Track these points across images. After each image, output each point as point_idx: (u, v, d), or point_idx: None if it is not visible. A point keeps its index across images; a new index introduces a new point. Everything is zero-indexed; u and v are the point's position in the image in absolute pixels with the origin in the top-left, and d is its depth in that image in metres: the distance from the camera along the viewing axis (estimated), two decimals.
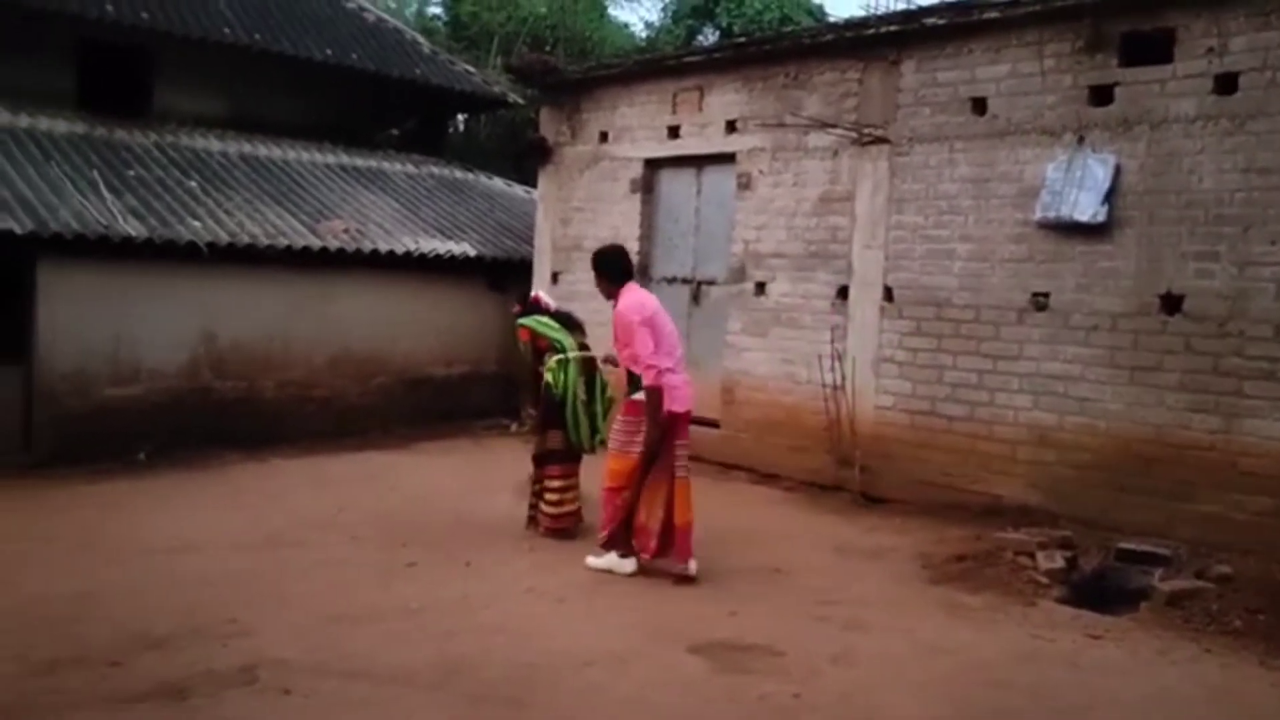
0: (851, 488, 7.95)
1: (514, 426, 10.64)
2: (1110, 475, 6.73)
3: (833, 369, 8.11)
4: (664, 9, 24.06)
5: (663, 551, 5.75)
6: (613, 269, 5.92)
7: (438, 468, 8.78)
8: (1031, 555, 6.02)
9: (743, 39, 10.90)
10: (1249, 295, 6.22)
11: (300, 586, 5.40)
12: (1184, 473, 6.42)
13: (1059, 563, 5.92)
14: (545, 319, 6.78)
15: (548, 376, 6.58)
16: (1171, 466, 6.47)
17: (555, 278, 10.68)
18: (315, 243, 9.79)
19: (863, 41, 8.11)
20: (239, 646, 4.51)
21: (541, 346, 6.70)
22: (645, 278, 9.79)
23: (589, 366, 6.67)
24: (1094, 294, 6.86)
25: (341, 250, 9.93)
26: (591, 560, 5.89)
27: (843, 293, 8.27)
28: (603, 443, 6.36)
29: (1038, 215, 7.05)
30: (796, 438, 8.47)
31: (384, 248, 10.26)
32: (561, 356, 6.58)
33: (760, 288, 8.88)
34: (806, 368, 8.39)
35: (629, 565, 5.79)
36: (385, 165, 12.81)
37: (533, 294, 7.23)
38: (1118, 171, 6.73)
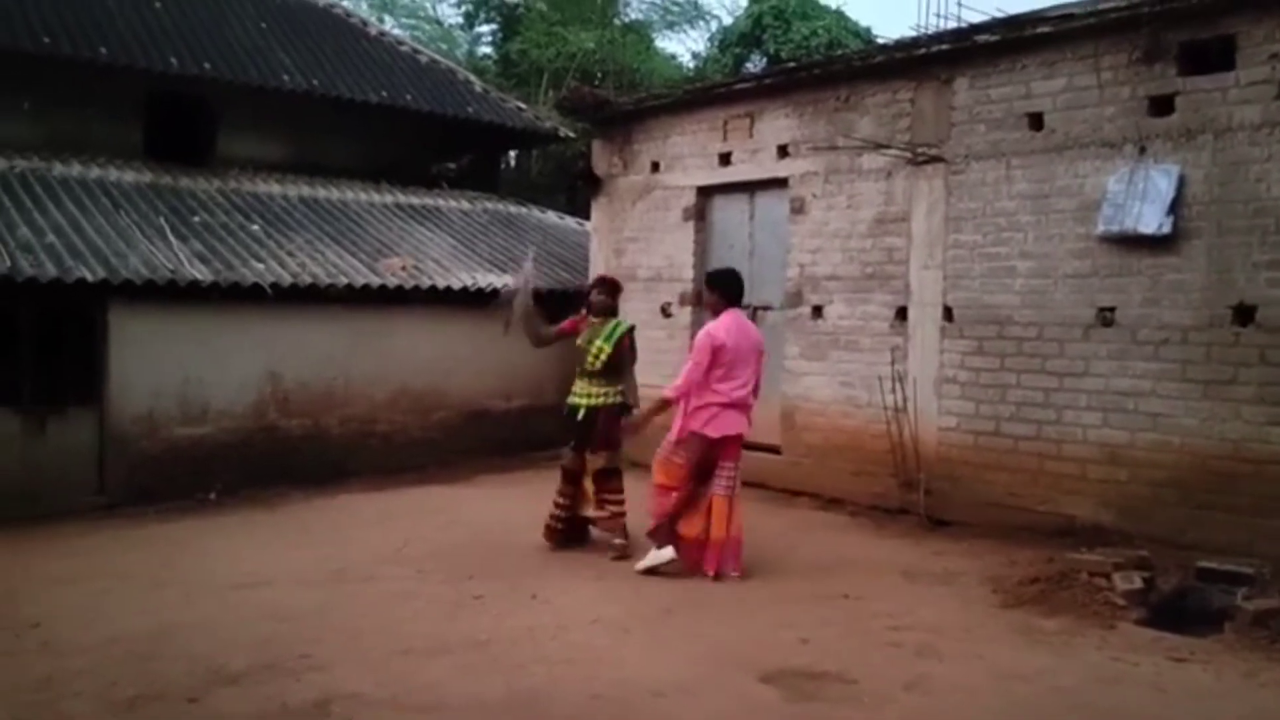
0: (917, 511, 7.83)
1: None
2: (1187, 493, 6.55)
3: (894, 391, 8.02)
4: (710, 38, 24.24)
5: (710, 564, 6.24)
6: (728, 289, 6.41)
7: (500, 500, 8.82)
8: (1107, 576, 5.84)
9: (793, 64, 10.92)
10: None
11: (370, 620, 5.44)
12: (1265, 488, 6.22)
13: (1136, 584, 5.74)
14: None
15: (584, 400, 6.89)
16: (1252, 482, 6.28)
17: None
18: (375, 280, 9.95)
19: (914, 61, 8.08)
20: (312, 681, 4.55)
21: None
22: (701, 305, 9.80)
23: None
24: (1162, 307, 6.72)
25: (400, 287, 10.08)
26: (636, 567, 6.33)
27: (901, 314, 8.19)
28: None
29: (1100, 229, 6.93)
30: (859, 462, 8.37)
31: (441, 283, 10.40)
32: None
33: (817, 311, 8.82)
34: (867, 390, 8.31)
35: (667, 553, 6.25)
36: (441, 202, 13.00)
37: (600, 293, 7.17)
38: (1182, 182, 6.60)
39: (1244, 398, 6.35)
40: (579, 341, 6.97)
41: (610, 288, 7.20)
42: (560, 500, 6.99)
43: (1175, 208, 6.60)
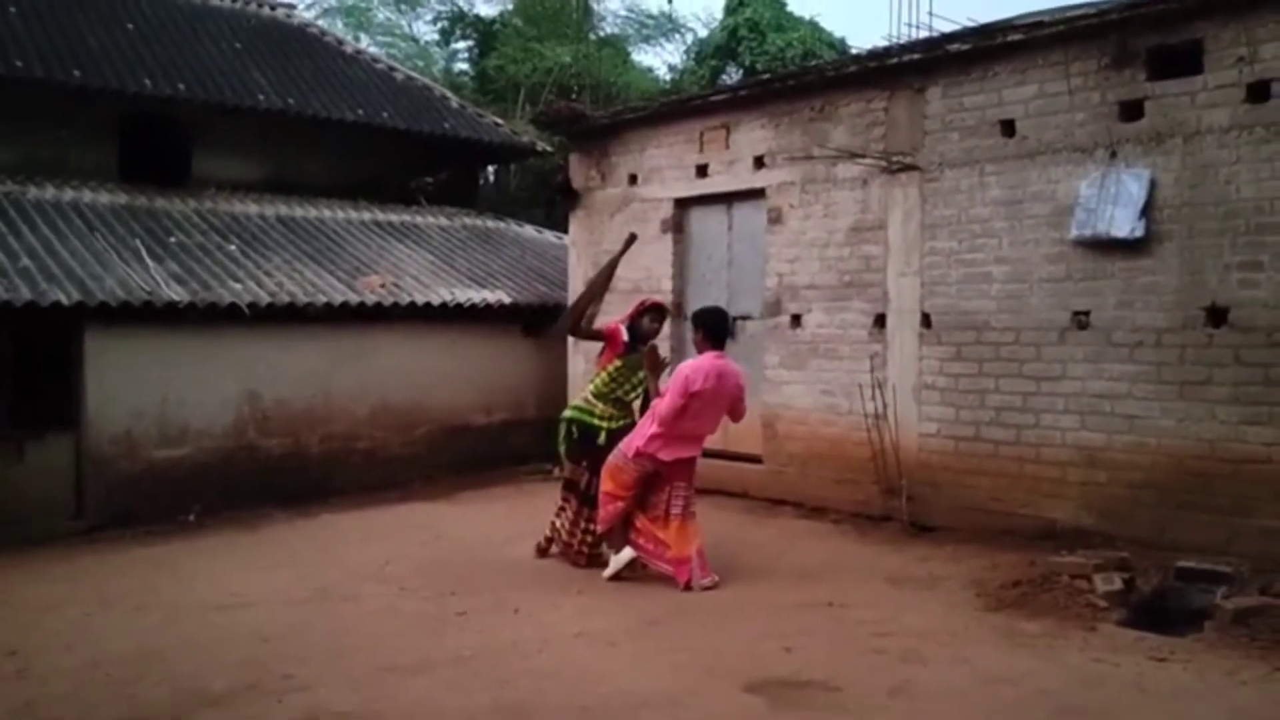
0: (900, 517, 7.86)
1: (555, 471, 10.62)
2: (1165, 493, 6.60)
3: (874, 398, 8.05)
4: (686, 51, 24.36)
5: (681, 578, 6.30)
6: (712, 330, 6.43)
7: (482, 515, 8.79)
8: (1088, 578, 5.89)
9: (767, 75, 10.98)
10: None
11: (353, 639, 5.41)
12: (1242, 487, 6.28)
13: (1117, 585, 5.79)
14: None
15: (607, 424, 6.79)
16: (1228, 481, 6.34)
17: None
18: (353, 298, 9.93)
19: (887, 71, 8.14)
20: (295, 701, 4.52)
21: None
22: (680, 316, 9.82)
23: None
24: (1136, 310, 6.78)
25: (379, 304, 10.07)
26: (604, 575, 6.49)
27: (880, 321, 8.24)
28: None
29: (1073, 233, 6.99)
30: (841, 469, 8.39)
31: (420, 299, 10.39)
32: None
33: (796, 320, 8.86)
34: (847, 398, 8.34)
35: (626, 554, 6.44)
36: (419, 219, 13.00)
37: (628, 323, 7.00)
38: (1153, 185, 6.67)
39: (1219, 398, 6.41)
40: (617, 365, 6.83)
41: (663, 314, 7.10)
42: (573, 519, 6.91)
43: (1147, 211, 6.66)
